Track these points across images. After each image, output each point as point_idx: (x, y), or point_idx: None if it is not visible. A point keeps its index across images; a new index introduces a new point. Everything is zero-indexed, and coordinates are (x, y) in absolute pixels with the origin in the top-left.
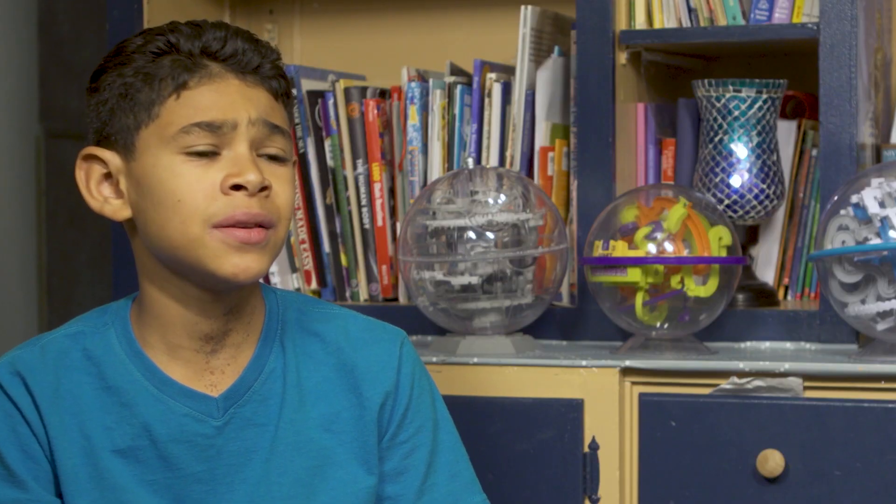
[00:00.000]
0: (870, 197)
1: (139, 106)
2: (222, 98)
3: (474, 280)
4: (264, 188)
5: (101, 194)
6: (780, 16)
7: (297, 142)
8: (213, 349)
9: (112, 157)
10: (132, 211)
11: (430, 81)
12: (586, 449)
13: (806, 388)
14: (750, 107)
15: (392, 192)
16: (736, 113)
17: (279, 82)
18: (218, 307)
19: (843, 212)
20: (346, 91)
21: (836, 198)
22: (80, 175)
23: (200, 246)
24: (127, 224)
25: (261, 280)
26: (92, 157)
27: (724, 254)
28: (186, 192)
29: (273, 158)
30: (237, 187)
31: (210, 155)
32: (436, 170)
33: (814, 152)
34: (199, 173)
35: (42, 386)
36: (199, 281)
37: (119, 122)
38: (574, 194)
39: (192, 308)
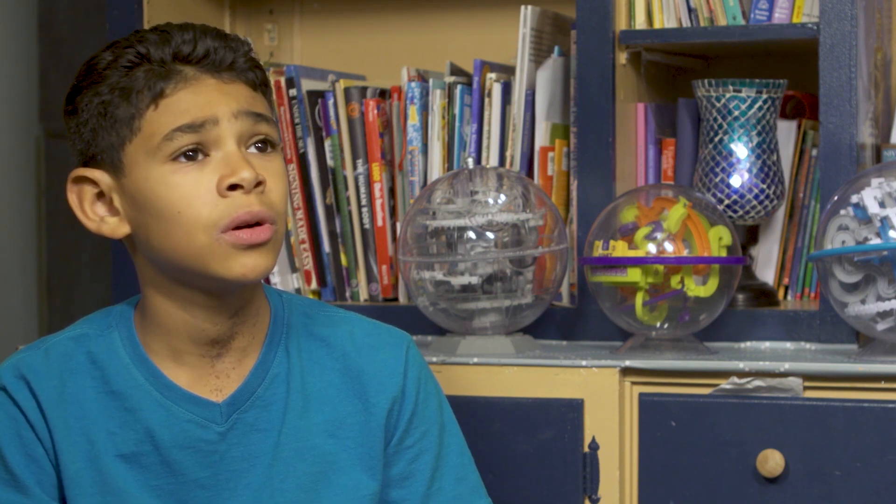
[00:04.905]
0: (870, 197)
1: (119, 122)
2: (199, 97)
3: (474, 280)
4: (259, 183)
5: (97, 214)
6: (780, 16)
7: (297, 142)
8: (218, 353)
9: (102, 176)
10: (130, 226)
11: (430, 81)
12: (586, 449)
13: (806, 388)
14: (750, 107)
15: (392, 192)
16: (736, 113)
17: (255, 73)
18: (224, 311)
19: (843, 212)
20: (346, 91)
21: (836, 198)
22: (72, 198)
23: (208, 253)
24: (125, 240)
25: (264, 283)
26: (82, 179)
27: (724, 254)
28: (184, 202)
29: (262, 146)
30: (233, 187)
31: (198, 158)
32: (436, 170)
33: (814, 152)
34: (192, 180)
35: (47, 390)
36: (205, 286)
37: (103, 141)
38: (574, 194)
39: (197, 315)
